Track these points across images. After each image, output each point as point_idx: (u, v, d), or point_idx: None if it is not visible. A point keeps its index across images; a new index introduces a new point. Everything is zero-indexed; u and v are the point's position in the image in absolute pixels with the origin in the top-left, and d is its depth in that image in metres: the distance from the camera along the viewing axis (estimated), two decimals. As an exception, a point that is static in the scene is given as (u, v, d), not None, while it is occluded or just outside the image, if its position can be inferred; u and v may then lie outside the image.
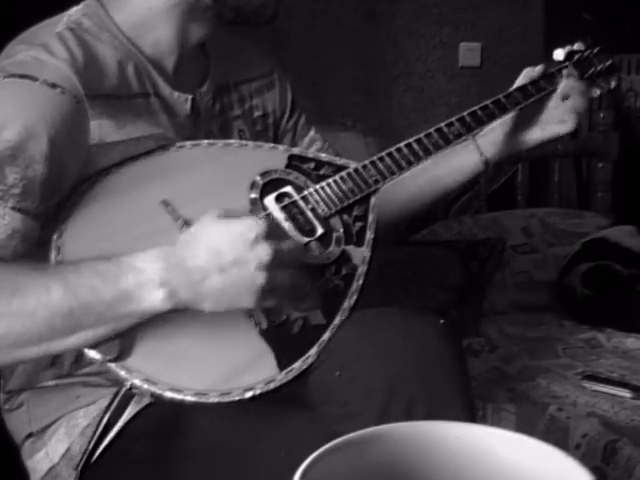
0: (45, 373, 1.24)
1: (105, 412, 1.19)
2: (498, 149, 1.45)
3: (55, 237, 1.13)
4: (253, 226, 1.05)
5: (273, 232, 1.07)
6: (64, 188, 1.14)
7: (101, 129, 1.16)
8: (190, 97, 1.27)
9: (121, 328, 1.07)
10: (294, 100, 1.47)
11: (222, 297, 1.06)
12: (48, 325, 1.04)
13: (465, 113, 1.36)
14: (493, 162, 1.46)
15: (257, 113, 1.41)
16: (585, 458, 1.55)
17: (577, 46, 1.50)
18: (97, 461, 1.20)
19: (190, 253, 1.05)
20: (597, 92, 1.52)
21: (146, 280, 1.05)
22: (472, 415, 1.15)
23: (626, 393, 1.71)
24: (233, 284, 1.05)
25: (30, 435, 1.26)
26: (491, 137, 1.45)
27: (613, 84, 1.52)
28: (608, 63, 1.51)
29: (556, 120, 1.43)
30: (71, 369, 1.22)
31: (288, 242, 1.09)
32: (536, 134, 1.44)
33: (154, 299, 1.05)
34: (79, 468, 1.21)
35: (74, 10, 1.23)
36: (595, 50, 1.51)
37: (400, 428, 0.91)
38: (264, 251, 1.04)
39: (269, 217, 1.20)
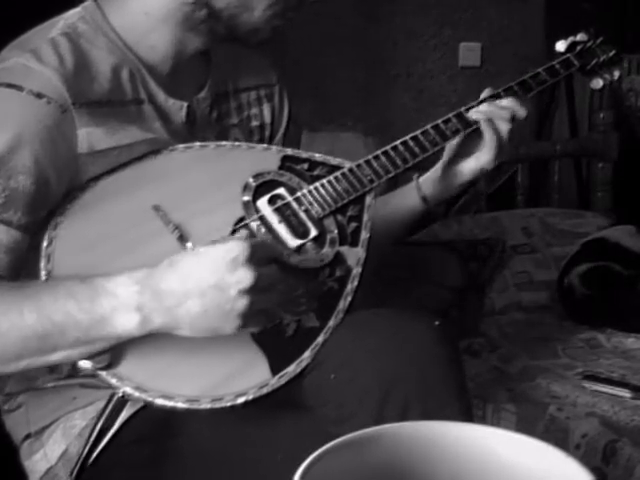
0: (44, 378, 1.24)
1: (100, 416, 1.19)
2: (435, 185, 1.41)
3: (45, 245, 1.12)
4: (234, 248, 1.02)
5: (257, 254, 1.04)
6: (52, 199, 1.13)
7: (90, 137, 1.14)
8: (185, 104, 1.26)
9: (98, 349, 1.06)
10: (290, 116, 1.45)
11: (200, 322, 1.04)
12: (22, 345, 1.04)
13: (462, 109, 1.35)
14: (432, 200, 1.41)
15: (255, 123, 1.39)
16: (585, 458, 1.55)
17: (580, 37, 1.47)
18: (92, 465, 1.20)
19: (166, 277, 1.04)
20: (600, 83, 1.49)
21: (120, 304, 1.03)
22: (469, 416, 1.15)
23: (626, 393, 1.71)
24: (213, 309, 1.02)
25: (28, 436, 1.26)
26: (430, 174, 1.42)
27: (617, 75, 1.49)
28: (612, 53, 1.48)
29: (485, 147, 1.35)
30: (70, 372, 1.22)
31: (273, 263, 1.06)
32: (470, 164, 1.38)
33: (128, 324, 1.03)
34: (74, 472, 1.20)
35: (71, 13, 1.22)
36: (598, 41, 1.48)
37: (400, 428, 0.91)
38: (245, 275, 1.02)
39: (261, 219, 1.20)
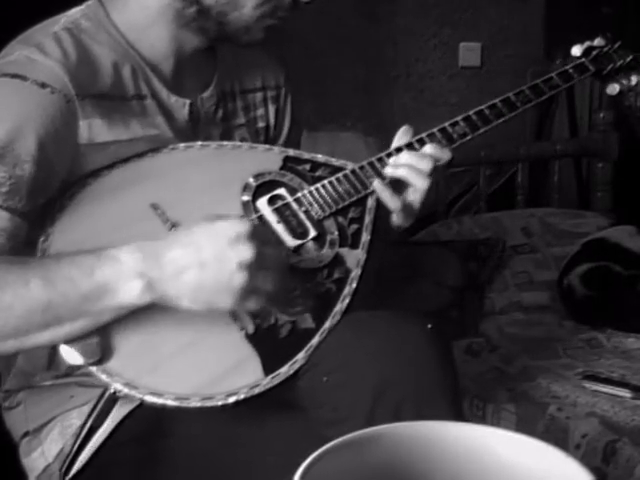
0: (42, 375, 1.24)
1: (89, 415, 1.19)
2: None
3: (42, 240, 1.13)
4: (238, 225, 1.05)
5: (260, 234, 1.06)
6: (52, 187, 1.14)
7: (91, 129, 1.15)
8: (188, 102, 1.26)
9: (99, 323, 1.07)
10: (293, 120, 1.45)
11: (199, 294, 1.05)
12: (25, 319, 1.04)
13: (471, 112, 1.31)
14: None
15: (261, 124, 1.40)
16: (585, 458, 1.55)
17: (597, 42, 1.44)
18: (87, 464, 1.20)
19: (169, 246, 1.05)
20: (616, 89, 1.45)
21: (123, 271, 1.04)
22: (460, 420, 1.14)
23: (626, 393, 1.71)
24: (211, 280, 1.04)
25: (27, 434, 1.26)
26: None
27: (634, 80, 1.45)
28: (629, 59, 1.45)
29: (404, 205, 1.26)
30: (67, 370, 1.22)
31: (274, 245, 1.08)
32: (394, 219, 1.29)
33: (131, 291, 1.04)
34: (63, 468, 1.20)
35: (74, 10, 1.23)
36: (615, 45, 1.45)
37: (400, 428, 0.91)
38: (246, 251, 1.03)
39: (260, 219, 1.20)
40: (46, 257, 1.11)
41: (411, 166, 1.24)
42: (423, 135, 1.29)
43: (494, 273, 2.30)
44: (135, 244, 1.06)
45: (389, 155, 1.27)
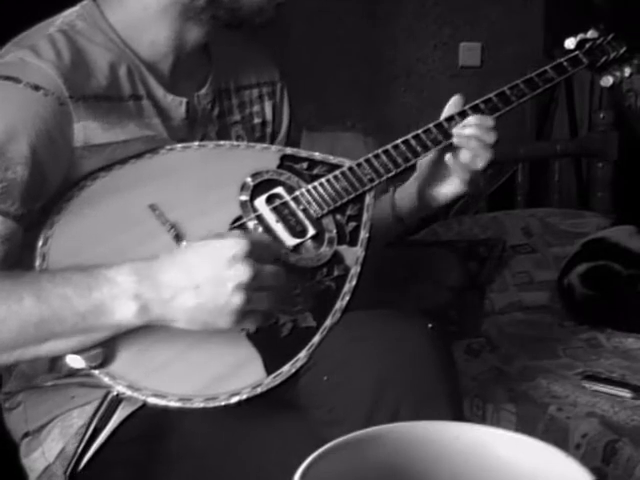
0: (43, 377, 1.24)
1: (93, 415, 1.19)
2: (412, 204, 1.38)
3: (40, 244, 1.12)
4: (234, 245, 1.03)
5: (258, 253, 1.04)
6: (47, 190, 1.14)
7: (86, 131, 1.15)
8: (185, 100, 1.26)
9: (95, 340, 1.06)
10: (292, 113, 1.45)
11: (196, 316, 1.04)
12: (19, 333, 1.04)
13: (467, 107, 1.33)
14: (407, 219, 1.40)
15: (257, 120, 1.40)
16: (585, 458, 1.55)
17: (590, 34, 1.44)
18: (90, 463, 1.20)
19: (165, 268, 1.04)
20: (610, 81, 1.45)
21: (119, 292, 1.03)
22: (461, 419, 1.14)
23: (626, 393, 1.71)
24: (208, 303, 1.03)
25: (27, 434, 1.26)
26: (407, 190, 1.39)
27: (627, 72, 1.46)
28: (622, 50, 1.45)
29: (458, 171, 1.32)
30: (69, 372, 1.22)
31: (273, 263, 1.07)
32: (443, 189, 1.36)
33: (126, 312, 1.04)
34: (68, 471, 1.20)
35: (69, 11, 1.23)
36: (609, 37, 1.44)
37: (400, 428, 0.91)
38: (243, 271, 1.02)
39: (259, 218, 1.20)
40: (41, 273, 1.10)
41: (479, 125, 1.28)
42: (419, 132, 1.30)
43: (494, 273, 2.30)
44: (131, 265, 1.05)
45: (386, 152, 1.28)
